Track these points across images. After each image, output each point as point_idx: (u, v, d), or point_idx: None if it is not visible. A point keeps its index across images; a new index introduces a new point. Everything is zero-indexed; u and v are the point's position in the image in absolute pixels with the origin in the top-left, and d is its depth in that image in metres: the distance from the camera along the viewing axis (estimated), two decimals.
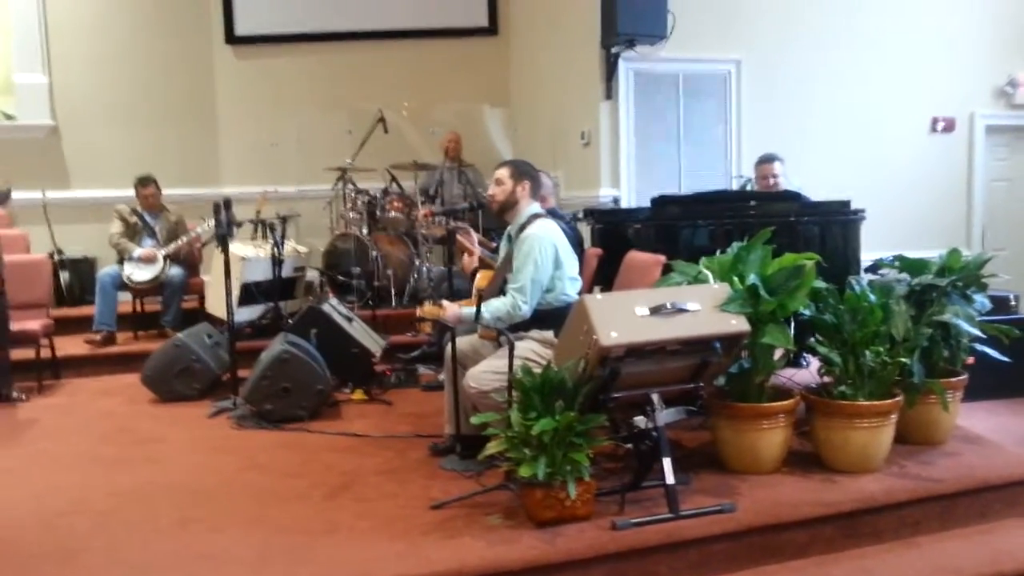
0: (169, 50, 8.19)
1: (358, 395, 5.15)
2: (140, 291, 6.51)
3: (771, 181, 5.53)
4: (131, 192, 6.79)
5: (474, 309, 3.56)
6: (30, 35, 7.89)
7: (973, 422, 4.23)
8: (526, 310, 3.57)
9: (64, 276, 7.46)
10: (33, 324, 5.53)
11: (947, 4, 7.18)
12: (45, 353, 5.74)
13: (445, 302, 3.70)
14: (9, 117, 7.96)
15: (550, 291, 3.65)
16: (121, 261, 6.47)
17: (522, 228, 3.73)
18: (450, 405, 3.84)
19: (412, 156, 7.62)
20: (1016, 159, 7.70)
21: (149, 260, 6.40)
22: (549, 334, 3.61)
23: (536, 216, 3.77)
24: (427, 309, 3.70)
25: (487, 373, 3.52)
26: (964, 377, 3.91)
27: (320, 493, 3.51)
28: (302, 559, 2.85)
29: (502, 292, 3.67)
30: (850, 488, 3.33)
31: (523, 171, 3.85)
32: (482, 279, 3.98)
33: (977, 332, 3.76)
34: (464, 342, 3.87)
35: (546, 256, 3.60)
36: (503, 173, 3.83)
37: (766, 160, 5.63)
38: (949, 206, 7.31)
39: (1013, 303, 6.13)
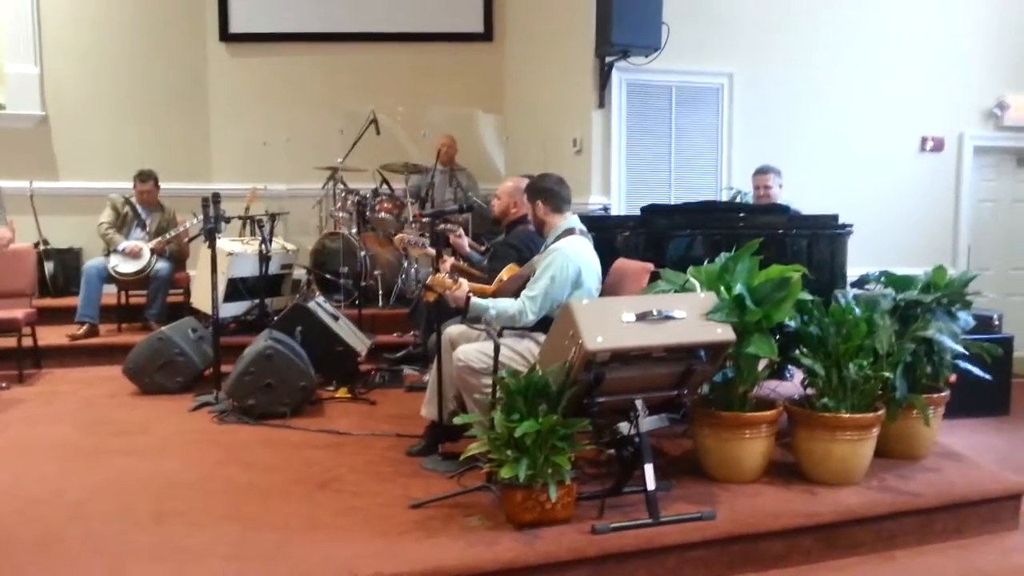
0: (163, 45, 8.16)
1: (342, 393, 5.14)
2: (126, 283, 6.48)
3: (763, 192, 5.66)
4: (119, 184, 6.80)
5: (482, 301, 3.53)
6: (22, 25, 7.83)
7: (954, 439, 4.26)
8: (531, 319, 3.56)
9: (49, 266, 7.42)
10: (16, 313, 5.50)
11: (940, 26, 7.24)
12: (27, 342, 5.71)
13: (463, 280, 3.61)
14: None
15: None
16: (108, 252, 6.44)
17: (556, 240, 3.72)
18: (432, 388, 3.83)
19: (403, 158, 7.62)
20: (1003, 180, 7.76)
21: (134, 255, 6.37)
22: None
23: (570, 232, 3.75)
24: (438, 279, 3.59)
25: (478, 352, 3.53)
26: (946, 393, 3.94)
27: (300, 489, 3.49)
28: (279, 555, 2.83)
29: (518, 292, 3.65)
30: (829, 500, 3.34)
31: (534, 190, 3.86)
32: (507, 271, 3.96)
33: (960, 349, 3.79)
34: (458, 329, 3.86)
35: (566, 274, 3.58)
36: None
37: (762, 171, 5.77)
38: (936, 224, 7.36)
39: (996, 322, 6.19)
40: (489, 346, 3.50)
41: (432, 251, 4.25)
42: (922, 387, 3.83)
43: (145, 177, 6.66)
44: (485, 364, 3.46)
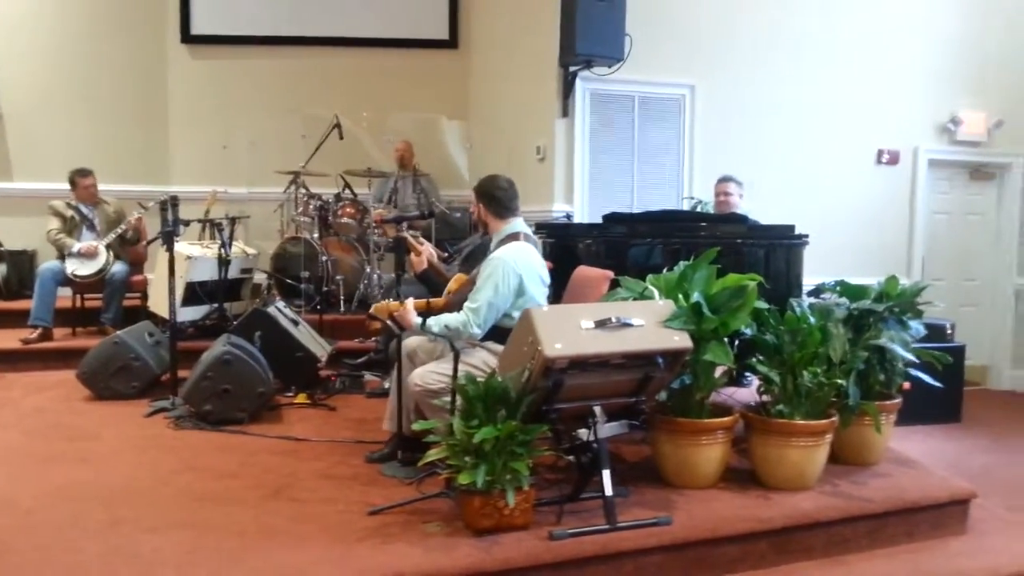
0: (122, 46, 8.07)
1: (301, 399, 5.10)
2: (81, 286, 6.37)
3: (722, 198, 5.84)
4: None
5: (428, 320, 3.52)
6: None
7: (908, 445, 4.35)
8: (477, 332, 3.55)
9: (1, 269, 7.29)
10: None
11: (897, 42, 7.41)
12: None
13: (409, 301, 3.60)
14: None
15: (509, 316, 3.59)
16: (62, 257, 6.33)
17: (498, 246, 3.72)
18: (393, 403, 3.81)
19: (367, 163, 7.61)
20: (956, 193, 7.96)
21: (90, 255, 6.27)
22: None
23: (513, 237, 3.74)
24: (381, 305, 3.60)
25: (433, 373, 3.52)
26: (898, 401, 4.02)
27: (256, 496, 3.46)
28: (234, 561, 2.81)
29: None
30: (784, 505, 3.39)
31: (481, 191, 3.85)
32: (455, 282, 3.97)
33: (911, 357, 3.86)
34: (415, 341, 3.84)
35: (507, 283, 3.56)
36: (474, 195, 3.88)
37: (723, 179, 5.93)
38: (892, 236, 7.51)
39: (950, 332, 6.33)
40: (442, 365, 3.51)
41: (407, 235, 4.27)
42: (875, 394, 3.90)
43: (86, 172, 6.53)
44: (443, 384, 3.45)
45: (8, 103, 7.81)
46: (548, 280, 3.84)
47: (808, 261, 4.90)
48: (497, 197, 3.81)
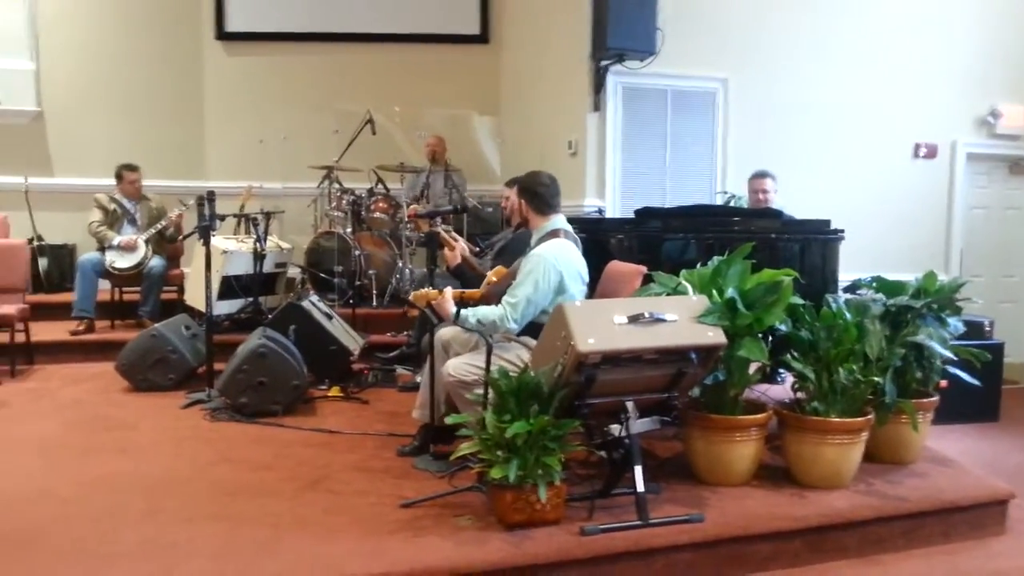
0: (159, 43, 8.17)
1: (334, 392, 5.14)
2: (122, 278, 6.47)
3: (760, 196, 5.69)
4: (114, 182, 6.76)
5: (464, 311, 3.53)
6: (18, 21, 7.84)
7: (944, 444, 4.28)
8: (513, 327, 3.54)
9: (43, 262, 7.43)
10: (9, 308, 5.50)
11: (935, 34, 7.28)
12: (20, 338, 5.69)
13: (447, 290, 3.60)
14: None
15: (547, 313, 3.55)
16: (102, 249, 6.43)
17: (539, 243, 3.72)
18: (426, 393, 3.82)
19: (399, 158, 7.63)
20: (995, 187, 7.81)
21: (130, 248, 6.37)
22: None
23: (554, 234, 3.73)
24: (420, 293, 3.60)
25: (468, 365, 3.53)
26: (935, 399, 3.96)
27: (290, 488, 3.50)
28: (268, 552, 2.84)
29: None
30: (818, 503, 3.35)
31: (523, 187, 3.85)
32: (494, 274, 3.98)
33: (949, 354, 3.81)
34: (451, 332, 3.85)
35: (548, 280, 3.56)
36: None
37: (758, 175, 5.77)
38: (929, 231, 7.40)
39: (988, 329, 6.22)
40: (477, 358, 3.52)
41: (441, 230, 4.29)
42: (912, 392, 3.84)
43: (133, 167, 6.65)
44: (477, 376, 3.45)
45: (48, 100, 7.95)
46: (587, 278, 3.82)
47: (844, 256, 4.85)
48: (539, 193, 3.80)
